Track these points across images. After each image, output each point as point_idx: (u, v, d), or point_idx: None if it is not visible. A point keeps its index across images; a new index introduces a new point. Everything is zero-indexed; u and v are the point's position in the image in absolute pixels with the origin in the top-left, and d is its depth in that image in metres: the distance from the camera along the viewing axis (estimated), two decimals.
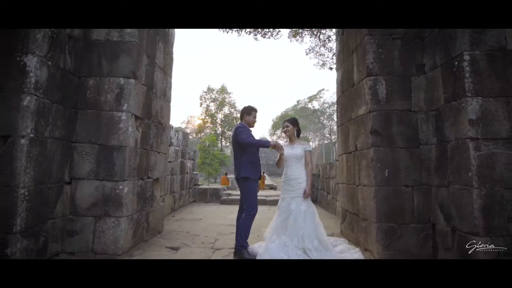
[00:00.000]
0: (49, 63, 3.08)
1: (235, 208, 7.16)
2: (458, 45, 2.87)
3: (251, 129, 3.75)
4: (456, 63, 2.90)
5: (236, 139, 3.52)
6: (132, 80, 3.58)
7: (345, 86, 4.36)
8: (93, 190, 3.44)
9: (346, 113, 4.32)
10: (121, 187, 3.43)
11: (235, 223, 3.80)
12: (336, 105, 4.90)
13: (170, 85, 4.99)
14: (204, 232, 4.82)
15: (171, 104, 5.06)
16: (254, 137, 3.57)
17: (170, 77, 4.99)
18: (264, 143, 3.50)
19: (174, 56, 5.12)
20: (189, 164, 8.52)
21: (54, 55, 3.16)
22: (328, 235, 4.64)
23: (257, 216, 3.53)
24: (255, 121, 3.77)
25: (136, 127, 3.74)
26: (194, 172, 9.16)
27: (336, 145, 6.74)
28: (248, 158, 3.48)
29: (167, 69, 4.78)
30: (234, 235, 3.74)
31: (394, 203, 3.32)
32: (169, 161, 6.59)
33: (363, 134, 3.63)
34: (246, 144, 3.46)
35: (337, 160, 6.64)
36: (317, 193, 8.83)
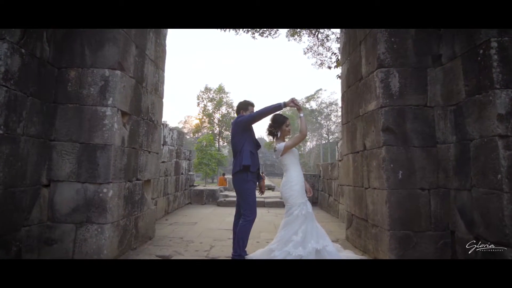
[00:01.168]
0: (23, 50, 2.72)
1: (232, 210, 6.80)
2: (483, 31, 2.55)
3: None
4: (481, 51, 2.58)
5: (238, 128, 3.23)
6: (118, 72, 3.23)
7: (352, 80, 4.04)
8: (74, 193, 3.09)
9: (352, 109, 3.99)
10: (105, 190, 3.08)
11: (232, 228, 3.46)
12: (340, 101, 4.57)
13: (163, 80, 4.64)
14: (199, 238, 4.48)
15: (164, 100, 4.73)
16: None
17: (163, 71, 4.64)
18: (276, 106, 3.09)
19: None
20: (184, 164, 8.16)
21: (28, 42, 2.80)
22: (332, 241, 4.34)
23: (256, 220, 3.19)
24: None
25: (123, 123, 3.38)
26: (189, 173, 8.80)
27: (339, 144, 6.42)
28: (249, 148, 3.16)
29: (159, 62, 4.43)
30: (231, 240, 3.42)
31: (409, 208, 2.99)
32: (163, 161, 6.24)
33: (373, 132, 3.31)
34: (255, 117, 3.17)
35: (340, 160, 6.32)
36: (317, 195, 8.51)
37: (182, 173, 7.89)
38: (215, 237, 4.49)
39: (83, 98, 3.18)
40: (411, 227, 2.97)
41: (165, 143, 6.34)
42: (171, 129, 6.87)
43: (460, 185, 2.87)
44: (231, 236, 3.52)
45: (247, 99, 3.47)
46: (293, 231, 2.95)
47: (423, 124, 3.09)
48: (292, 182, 3.09)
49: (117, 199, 3.23)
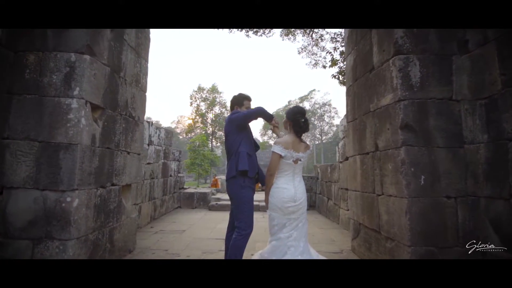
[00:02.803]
0: None
1: (225, 215, 6.29)
2: None
3: None
4: None
5: (232, 126, 2.74)
6: (87, 57, 2.70)
7: (360, 72, 3.57)
8: (31, 203, 2.55)
9: (360, 105, 3.53)
10: (69, 199, 2.54)
11: (224, 237, 2.97)
12: (346, 97, 4.11)
13: (146, 71, 4.11)
14: (187, 250, 3.96)
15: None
16: None
17: (146, 61, 4.11)
18: (270, 115, 2.76)
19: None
20: (173, 165, 7.61)
21: None
22: (336, 252, 3.88)
23: None
24: None
25: (93, 119, 2.85)
26: (179, 175, 8.25)
27: (340, 144, 5.96)
28: (246, 149, 2.67)
29: (141, 50, 3.89)
30: (223, 252, 2.95)
31: (433, 220, 2.53)
32: (148, 163, 5.70)
33: (388, 130, 2.84)
34: (253, 114, 2.72)
35: (341, 162, 5.88)
36: (315, 198, 8.06)
37: (170, 175, 7.34)
38: (205, 249, 3.98)
39: (43, 87, 2.64)
40: (435, 242, 2.52)
41: (151, 143, 5.80)
42: (158, 128, 6.33)
43: (493, 192, 2.42)
44: (223, 248, 3.04)
45: (243, 93, 2.97)
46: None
47: (448, 120, 2.64)
48: None
49: (85, 209, 2.70)
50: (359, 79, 3.58)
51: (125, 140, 3.49)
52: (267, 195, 2.66)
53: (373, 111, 3.18)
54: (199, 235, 4.84)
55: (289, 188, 2.58)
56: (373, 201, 3.17)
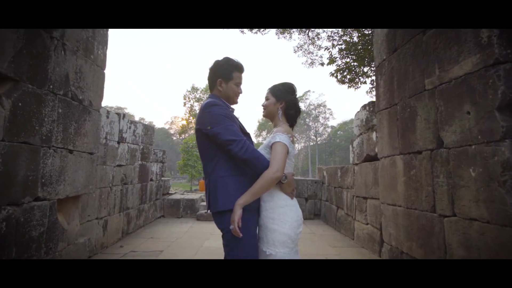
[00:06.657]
0: None
1: (215, 227, 5.23)
2: None
3: (232, 106, 1.78)
4: None
5: (206, 136, 1.57)
6: None
7: (402, 37, 2.53)
8: None
9: (404, 83, 2.48)
10: None
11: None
12: (375, 76, 3.07)
13: (105, 40, 3.01)
14: None
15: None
16: (242, 137, 1.52)
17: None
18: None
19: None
20: (155, 168, 6.50)
21: None
22: None
23: None
24: (240, 92, 1.75)
25: None
26: (163, 178, 7.13)
27: (355, 143, 4.92)
28: (235, 170, 1.54)
29: None
30: None
31: None
32: (119, 165, 4.58)
33: (468, 114, 1.80)
34: (238, 158, 1.51)
35: (357, 164, 4.85)
36: (320, 205, 7.02)
37: (151, 179, 6.22)
38: None
39: None
40: None
41: (122, 140, 4.68)
42: (133, 122, 5.20)
43: None
44: None
45: (231, 58, 1.80)
46: None
47: None
48: None
49: None
50: (402, 47, 2.53)
51: (64, 132, 2.39)
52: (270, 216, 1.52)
53: (430, 90, 2.13)
54: (180, 257, 3.74)
55: (294, 203, 1.56)
56: (432, 224, 2.12)
